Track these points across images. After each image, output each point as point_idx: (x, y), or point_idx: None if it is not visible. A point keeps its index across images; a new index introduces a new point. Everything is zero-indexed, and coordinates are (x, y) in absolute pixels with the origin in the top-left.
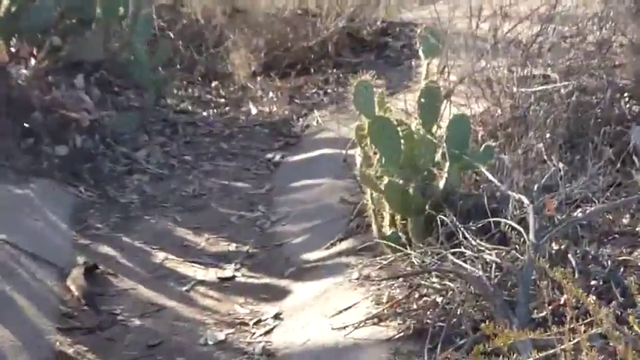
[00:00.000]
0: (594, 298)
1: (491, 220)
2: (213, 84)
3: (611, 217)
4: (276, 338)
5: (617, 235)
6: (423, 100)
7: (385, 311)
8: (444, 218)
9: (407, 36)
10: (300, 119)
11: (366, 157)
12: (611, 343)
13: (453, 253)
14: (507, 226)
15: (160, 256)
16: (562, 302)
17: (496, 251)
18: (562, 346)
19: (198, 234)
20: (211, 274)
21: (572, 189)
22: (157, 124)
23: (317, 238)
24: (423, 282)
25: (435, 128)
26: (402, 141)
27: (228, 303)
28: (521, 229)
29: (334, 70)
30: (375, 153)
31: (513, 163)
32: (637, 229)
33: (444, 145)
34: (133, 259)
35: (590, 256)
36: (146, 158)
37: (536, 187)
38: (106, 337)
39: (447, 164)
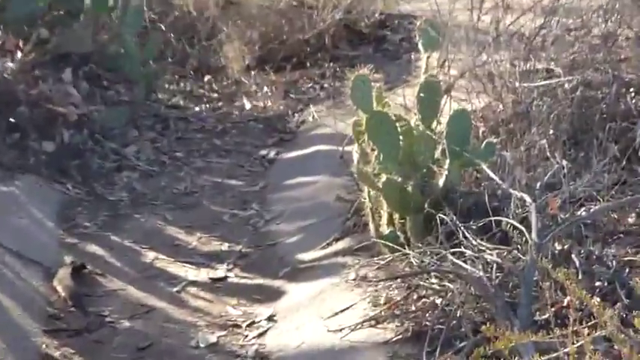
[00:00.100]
0: (598, 299)
1: (493, 219)
2: (206, 78)
3: (616, 216)
4: (270, 341)
5: (622, 235)
6: (422, 94)
7: (383, 313)
8: (444, 217)
9: (406, 29)
10: (296, 114)
11: (363, 154)
12: (615, 347)
13: (453, 253)
14: (509, 225)
15: (149, 255)
16: (565, 304)
17: (497, 251)
18: (565, 350)
19: (189, 233)
20: (203, 275)
21: (576, 187)
22: (147, 119)
23: (312, 238)
24: (421, 283)
25: (434, 124)
26: (401, 137)
27: (220, 304)
28: (523, 229)
29: (331, 64)
30: (372, 149)
31: (515, 160)
32: None
33: (444, 141)
34: (122, 259)
35: (595, 257)
36: (136, 154)
37: (538, 185)
38: (94, 339)
39: (447, 161)
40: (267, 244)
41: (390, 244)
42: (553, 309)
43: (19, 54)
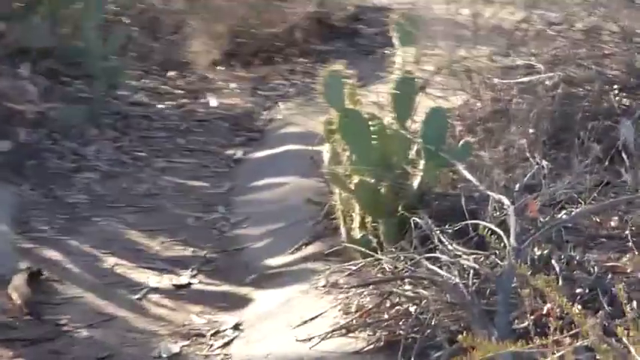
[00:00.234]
0: (580, 307)
1: (469, 222)
2: (170, 74)
3: (598, 220)
4: (236, 350)
5: (604, 239)
6: (396, 92)
7: (354, 321)
8: (418, 220)
9: (380, 22)
10: (264, 112)
11: (334, 154)
12: (598, 357)
13: (428, 259)
14: (486, 229)
15: (109, 261)
16: (545, 312)
17: (474, 256)
18: None
19: (151, 237)
20: (166, 281)
21: (556, 189)
22: (108, 117)
23: (281, 242)
24: (395, 290)
25: (409, 123)
26: (374, 136)
27: (183, 312)
28: (501, 233)
29: (301, 59)
30: (344, 149)
31: (493, 161)
32: (626, 232)
33: (419, 141)
34: (81, 265)
35: (576, 262)
36: (96, 154)
37: (517, 186)
38: (51, 349)
39: (422, 162)
40: (233, 249)
41: (362, 249)
42: (532, 317)
43: None
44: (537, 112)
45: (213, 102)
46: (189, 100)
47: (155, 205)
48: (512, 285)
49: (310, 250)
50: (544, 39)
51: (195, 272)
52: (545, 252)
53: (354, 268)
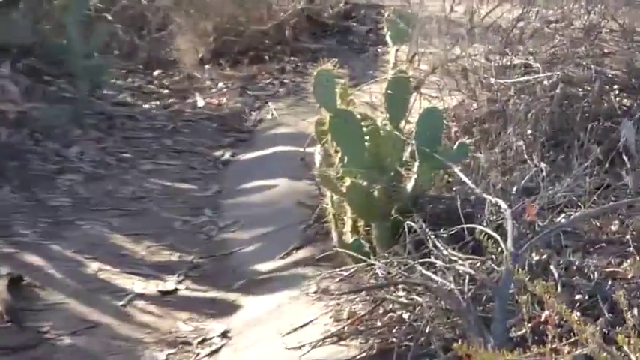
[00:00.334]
0: (579, 314)
1: (465, 226)
2: (156, 73)
3: (598, 224)
4: (224, 359)
5: (604, 244)
6: (390, 91)
7: (346, 329)
8: (413, 224)
9: (373, 19)
10: (253, 112)
11: (326, 156)
12: None
13: (422, 264)
14: (483, 234)
15: (93, 266)
16: (543, 319)
17: (470, 261)
18: None
19: (136, 241)
20: (151, 287)
21: (555, 192)
22: (92, 117)
23: (270, 247)
24: (388, 296)
25: (403, 123)
26: (367, 138)
27: (169, 319)
28: (497, 237)
29: (291, 58)
30: (336, 151)
31: (490, 163)
32: (626, 237)
33: (413, 142)
34: (64, 270)
35: (575, 267)
36: (79, 156)
37: (515, 189)
38: (32, 357)
39: (417, 164)
40: (221, 253)
41: (354, 254)
42: (530, 324)
43: None
44: (535, 113)
45: (200, 102)
46: (175, 99)
47: (141, 209)
48: (510, 291)
49: (301, 254)
50: (542, 37)
51: (181, 278)
52: (544, 257)
53: (345, 273)
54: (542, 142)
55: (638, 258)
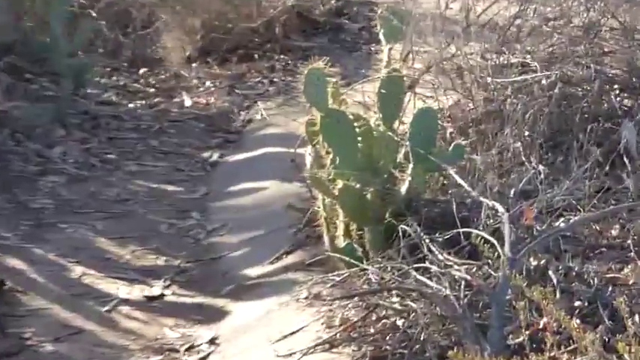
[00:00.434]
0: (578, 321)
1: (461, 230)
2: (142, 71)
3: (598, 228)
4: None
5: (604, 249)
6: (383, 91)
7: (338, 336)
8: (407, 228)
9: (365, 17)
10: (242, 112)
11: (317, 157)
12: None
13: (417, 269)
14: (479, 238)
15: (77, 270)
16: (541, 326)
17: (466, 267)
18: None
19: (121, 245)
20: (137, 292)
21: (553, 195)
22: (75, 117)
23: (260, 251)
24: (381, 302)
25: (397, 124)
26: (359, 139)
27: (155, 326)
28: (494, 242)
29: (282, 56)
30: (327, 152)
31: (487, 165)
32: (628, 241)
33: (408, 143)
34: (46, 274)
35: (574, 273)
36: (62, 157)
37: (512, 192)
38: None
39: (411, 166)
40: (209, 258)
41: (347, 259)
42: (528, 332)
43: None
44: (533, 114)
45: (187, 101)
46: (161, 99)
47: (126, 211)
48: (507, 297)
49: (291, 259)
50: (540, 35)
51: (168, 283)
52: (542, 262)
53: (337, 278)
54: (541, 144)
55: (639, 263)
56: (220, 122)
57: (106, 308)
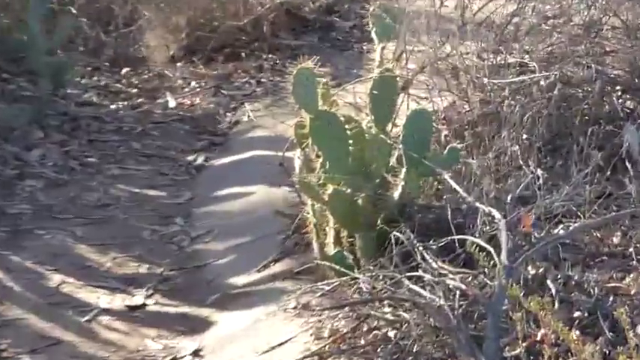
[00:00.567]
0: (578, 333)
1: (456, 237)
2: (124, 71)
3: (599, 236)
4: None
5: (605, 257)
6: (375, 92)
7: (327, 347)
8: (399, 235)
9: (357, 14)
10: (229, 114)
11: (306, 161)
12: None
13: (410, 278)
14: (475, 246)
15: (55, 278)
16: (539, 338)
17: (461, 275)
18: None
19: (102, 252)
20: (118, 302)
21: (552, 201)
22: (54, 118)
23: (247, 259)
24: (373, 312)
25: (389, 126)
26: (351, 142)
27: (137, 337)
28: (491, 249)
29: (270, 55)
30: (317, 156)
31: (483, 169)
32: (629, 249)
33: (401, 146)
34: (23, 283)
35: (574, 283)
36: (41, 160)
37: (509, 198)
38: None
39: (404, 170)
40: (193, 266)
41: (337, 267)
42: (525, 344)
43: None
44: (531, 116)
45: (171, 102)
46: (144, 99)
47: (106, 217)
48: (503, 308)
49: (279, 267)
50: (538, 34)
51: (150, 292)
52: (540, 271)
53: (327, 288)
54: (539, 147)
55: None
56: (206, 124)
57: (85, 318)
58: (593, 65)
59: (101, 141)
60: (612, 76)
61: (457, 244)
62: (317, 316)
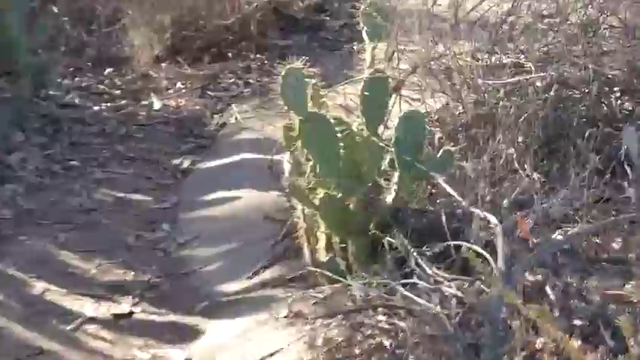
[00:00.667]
0: (578, 341)
1: (451, 243)
2: (107, 71)
3: (598, 241)
4: None
5: (605, 264)
6: (366, 93)
7: (321, 357)
8: (393, 240)
9: (347, 13)
10: (215, 116)
11: (296, 164)
12: None
13: (404, 285)
14: (470, 251)
15: (38, 286)
16: (538, 347)
17: (457, 282)
18: None
19: (86, 259)
20: (103, 310)
21: (550, 205)
22: (35, 120)
23: (236, 265)
24: (367, 320)
25: (381, 129)
26: (341, 144)
27: (124, 346)
28: (487, 255)
29: (257, 55)
30: (307, 159)
31: (478, 173)
32: (630, 255)
33: (393, 149)
34: (5, 291)
35: (573, 290)
36: (22, 163)
37: (505, 202)
38: None
39: (397, 174)
40: (180, 272)
41: (329, 274)
42: (524, 353)
43: None
44: (527, 118)
45: (156, 104)
46: (128, 101)
47: (90, 222)
48: (501, 316)
49: (269, 274)
50: (534, 34)
51: (137, 300)
52: (538, 278)
53: (320, 295)
54: (535, 150)
55: None
56: (192, 126)
57: (70, 327)
58: (590, 65)
59: (84, 144)
60: (610, 76)
61: (452, 250)
62: (310, 324)
